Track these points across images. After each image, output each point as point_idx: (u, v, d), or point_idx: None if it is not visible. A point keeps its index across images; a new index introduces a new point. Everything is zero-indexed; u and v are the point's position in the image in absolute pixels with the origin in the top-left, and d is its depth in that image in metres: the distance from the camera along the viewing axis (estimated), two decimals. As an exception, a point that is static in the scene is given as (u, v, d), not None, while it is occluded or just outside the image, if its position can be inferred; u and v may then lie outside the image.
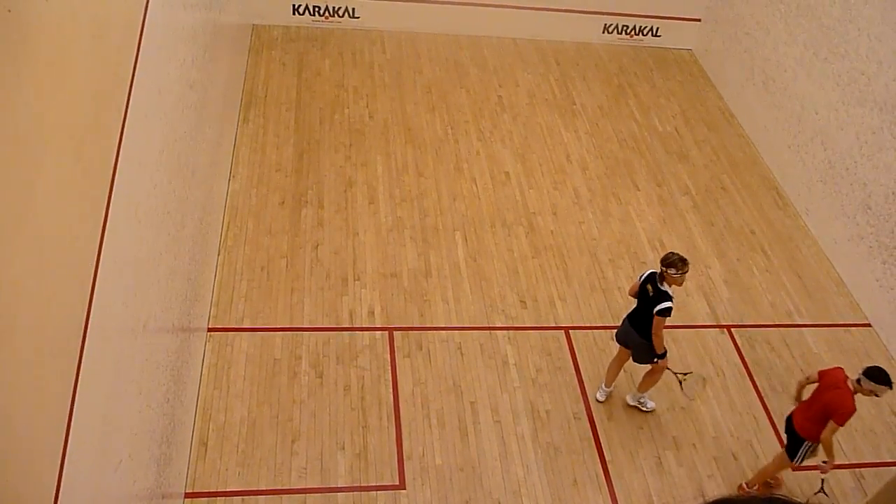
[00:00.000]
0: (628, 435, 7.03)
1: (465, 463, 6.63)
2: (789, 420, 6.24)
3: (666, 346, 6.55)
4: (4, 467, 2.76)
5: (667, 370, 6.78)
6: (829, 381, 5.90)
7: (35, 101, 3.03)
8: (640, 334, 6.53)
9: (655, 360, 6.59)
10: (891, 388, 5.75)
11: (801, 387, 6.26)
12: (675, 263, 6.23)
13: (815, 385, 6.02)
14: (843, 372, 5.93)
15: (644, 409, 7.13)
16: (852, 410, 5.70)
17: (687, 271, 6.27)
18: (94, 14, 3.75)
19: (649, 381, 6.89)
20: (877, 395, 5.80)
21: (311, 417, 6.79)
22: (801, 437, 6.08)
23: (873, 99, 8.48)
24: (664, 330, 6.41)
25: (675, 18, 12.45)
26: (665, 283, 6.30)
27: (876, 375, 5.72)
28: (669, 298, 6.29)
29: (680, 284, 6.34)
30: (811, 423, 5.97)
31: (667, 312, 6.29)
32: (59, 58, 3.28)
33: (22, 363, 2.90)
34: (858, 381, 5.78)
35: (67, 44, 3.37)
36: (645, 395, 7.09)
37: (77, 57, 3.50)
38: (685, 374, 6.87)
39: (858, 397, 5.84)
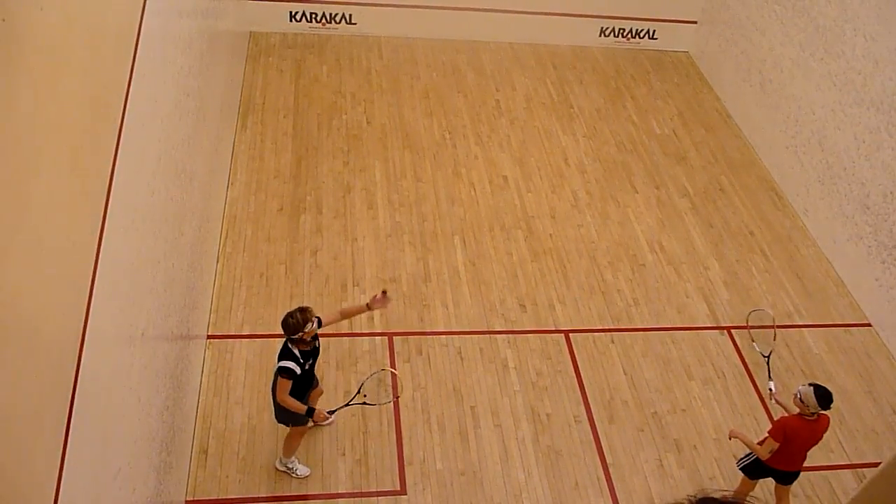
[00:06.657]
0: (629, 437, 7.02)
1: (465, 467, 6.62)
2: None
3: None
4: (2, 477, 2.76)
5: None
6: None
7: (30, 110, 3.03)
8: None
9: None
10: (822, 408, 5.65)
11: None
12: None
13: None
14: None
15: None
16: (781, 423, 5.68)
17: None
18: (90, 23, 3.76)
19: None
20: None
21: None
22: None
23: (870, 98, 8.49)
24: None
25: (671, 21, 12.47)
26: None
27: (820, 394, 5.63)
28: None
29: None
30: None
31: None
32: (55, 67, 3.28)
33: (19, 372, 2.90)
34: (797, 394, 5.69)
35: (63, 53, 3.38)
36: None
37: (72, 66, 3.51)
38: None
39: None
